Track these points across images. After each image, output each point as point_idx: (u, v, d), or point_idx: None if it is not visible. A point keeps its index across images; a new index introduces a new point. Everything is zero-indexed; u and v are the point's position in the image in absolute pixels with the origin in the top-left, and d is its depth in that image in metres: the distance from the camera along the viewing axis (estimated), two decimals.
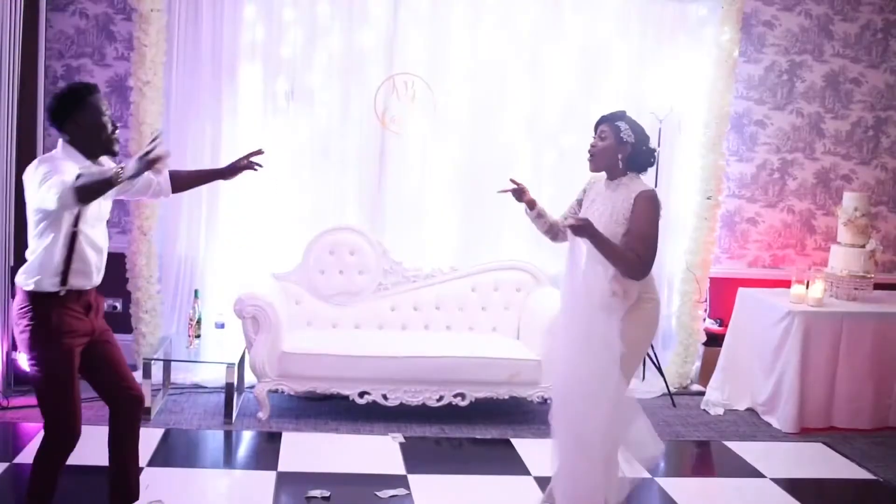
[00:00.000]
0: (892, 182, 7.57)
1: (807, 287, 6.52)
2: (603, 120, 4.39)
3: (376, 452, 5.51)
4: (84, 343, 3.99)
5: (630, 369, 4.34)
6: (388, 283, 6.64)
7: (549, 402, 6.10)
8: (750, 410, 6.69)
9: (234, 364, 5.88)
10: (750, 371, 6.71)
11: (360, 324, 6.56)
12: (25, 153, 6.22)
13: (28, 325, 3.86)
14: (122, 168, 3.58)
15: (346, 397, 6.00)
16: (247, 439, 5.65)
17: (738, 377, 6.78)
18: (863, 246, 6.74)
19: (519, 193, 4.55)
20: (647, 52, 6.93)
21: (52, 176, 3.64)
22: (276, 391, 6.00)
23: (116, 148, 3.99)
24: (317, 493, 4.82)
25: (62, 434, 3.91)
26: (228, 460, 5.44)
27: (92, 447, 5.38)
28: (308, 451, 5.50)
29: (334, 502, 4.76)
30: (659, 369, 6.90)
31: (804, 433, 6.31)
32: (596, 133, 4.38)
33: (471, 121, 6.82)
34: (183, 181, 4.29)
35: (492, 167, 6.63)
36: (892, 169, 7.55)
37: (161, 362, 6.18)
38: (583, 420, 4.23)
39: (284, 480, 5.02)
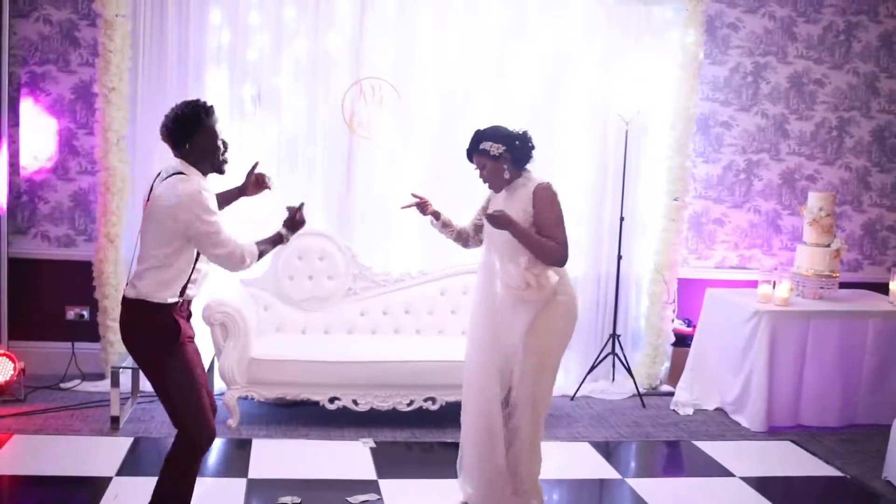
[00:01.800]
0: (856, 182, 7.65)
1: (773, 287, 6.57)
2: (471, 153, 4.50)
3: (347, 458, 5.50)
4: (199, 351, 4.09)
5: (550, 363, 4.47)
6: (358, 288, 6.62)
7: None
8: (719, 410, 6.74)
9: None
10: (718, 371, 6.76)
11: (330, 329, 6.54)
12: None
13: (155, 336, 3.91)
14: (287, 233, 4.17)
15: (317, 403, 5.98)
16: (217, 447, 5.61)
17: (707, 377, 6.82)
18: (828, 245, 6.80)
19: (422, 207, 4.70)
20: (613, 55, 6.94)
21: (223, 231, 3.88)
22: (245, 398, 5.97)
23: (226, 169, 4.07)
24: (287, 499, 4.80)
25: (206, 437, 4.00)
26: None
27: (64, 458, 5.36)
28: (278, 457, 5.47)
29: None
30: (628, 370, 6.92)
31: (773, 432, 6.36)
32: (475, 166, 4.50)
33: (438, 124, 6.82)
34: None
35: (460, 170, 6.57)
36: (856, 169, 7.64)
37: (129, 370, 6.11)
38: (492, 413, 4.43)
39: (255, 487, 5.00)
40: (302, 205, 4.24)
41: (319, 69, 6.67)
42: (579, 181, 7.05)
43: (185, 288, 3.94)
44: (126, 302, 3.97)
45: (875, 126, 7.62)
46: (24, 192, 6.71)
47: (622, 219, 6.91)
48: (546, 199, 4.36)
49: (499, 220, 4.28)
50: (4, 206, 6.49)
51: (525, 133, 4.46)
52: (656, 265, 7.11)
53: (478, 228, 4.73)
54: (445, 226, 4.74)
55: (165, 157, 6.35)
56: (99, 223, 6.47)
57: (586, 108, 6.98)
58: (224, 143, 4.00)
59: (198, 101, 3.98)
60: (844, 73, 7.52)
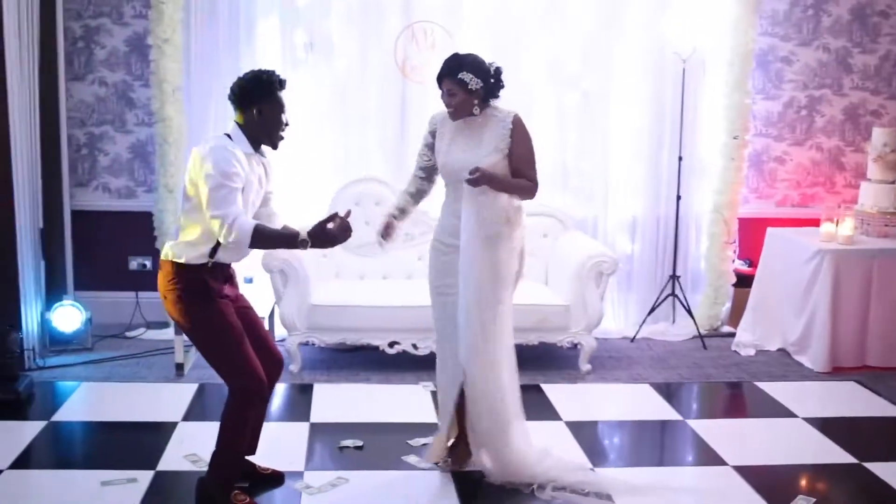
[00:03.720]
0: None
1: (836, 225, 6.45)
2: (443, 76, 4.29)
3: (407, 401, 5.55)
4: (232, 307, 4.08)
5: (509, 296, 4.42)
6: (415, 233, 6.60)
7: (578, 346, 6.13)
8: (781, 351, 6.67)
9: (263, 318, 5.91)
10: (780, 311, 6.67)
11: (388, 274, 6.57)
12: (48, 115, 6.24)
13: (183, 295, 3.95)
14: (306, 239, 3.91)
15: (376, 348, 6.03)
16: (279, 391, 5.69)
17: (769, 317, 6.75)
18: (893, 182, 6.65)
19: (386, 232, 4.61)
20: None
21: (229, 196, 3.76)
22: (306, 343, 6.04)
23: (280, 145, 4.06)
24: (349, 442, 4.86)
25: (252, 386, 4.00)
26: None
27: (131, 404, 5.48)
28: (340, 401, 5.54)
29: (367, 451, 4.80)
30: (689, 311, 6.87)
31: (836, 372, 6.28)
32: (442, 89, 4.31)
33: None
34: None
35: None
36: None
37: None
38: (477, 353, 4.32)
39: (317, 431, 5.07)
40: (335, 215, 3.99)
41: (371, 13, 6.63)
42: (636, 121, 6.96)
43: (215, 250, 3.93)
44: (160, 263, 4.03)
45: None
46: (84, 146, 6.80)
47: (680, 158, 6.81)
48: (525, 131, 4.31)
49: (480, 180, 4.14)
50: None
51: (499, 70, 4.34)
52: (716, 205, 7.01)
53: (429, 172, 4.59)
54: (403, 213, 4.65)
55: (221, 107, 6.48)
56: (158, 174, 6.55)
57: (641, 46, 6.86)
58: (287, 120, 3.99)
59: (273, 71, 3.98)
60: None
